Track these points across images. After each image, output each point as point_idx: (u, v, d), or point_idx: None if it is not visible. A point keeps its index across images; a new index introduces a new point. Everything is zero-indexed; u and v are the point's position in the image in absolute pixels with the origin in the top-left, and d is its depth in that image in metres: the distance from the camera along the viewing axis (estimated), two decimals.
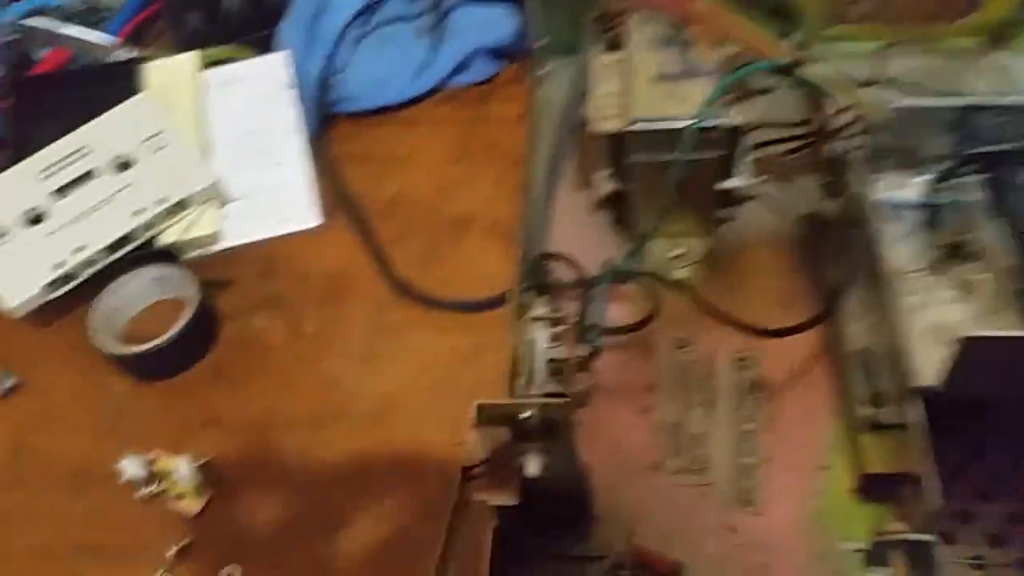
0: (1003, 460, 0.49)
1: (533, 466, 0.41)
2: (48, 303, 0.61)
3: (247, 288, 0.63)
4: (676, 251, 0.59)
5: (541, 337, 0.45)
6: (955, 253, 0.51)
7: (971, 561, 0.45)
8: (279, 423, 0.56)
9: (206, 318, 0.60)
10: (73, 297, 0.62)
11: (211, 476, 0.54)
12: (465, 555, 0.43)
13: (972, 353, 0.43)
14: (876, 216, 0.53)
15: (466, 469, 0.41)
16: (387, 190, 0.68)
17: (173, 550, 0.51)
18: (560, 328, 0.45)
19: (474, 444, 0.41)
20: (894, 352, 0.49)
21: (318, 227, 0.66)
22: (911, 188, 0.54)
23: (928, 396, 0.46)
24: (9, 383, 0.60)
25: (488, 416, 0.40)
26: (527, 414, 0.40)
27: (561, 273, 0.57)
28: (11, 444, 0.58)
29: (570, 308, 0.52)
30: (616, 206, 0.61)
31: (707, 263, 0.59)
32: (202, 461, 0.54)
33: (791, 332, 0.52)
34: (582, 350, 0.45)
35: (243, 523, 0.53)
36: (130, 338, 0.61)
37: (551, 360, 0.44)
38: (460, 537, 0.41)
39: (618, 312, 0.57)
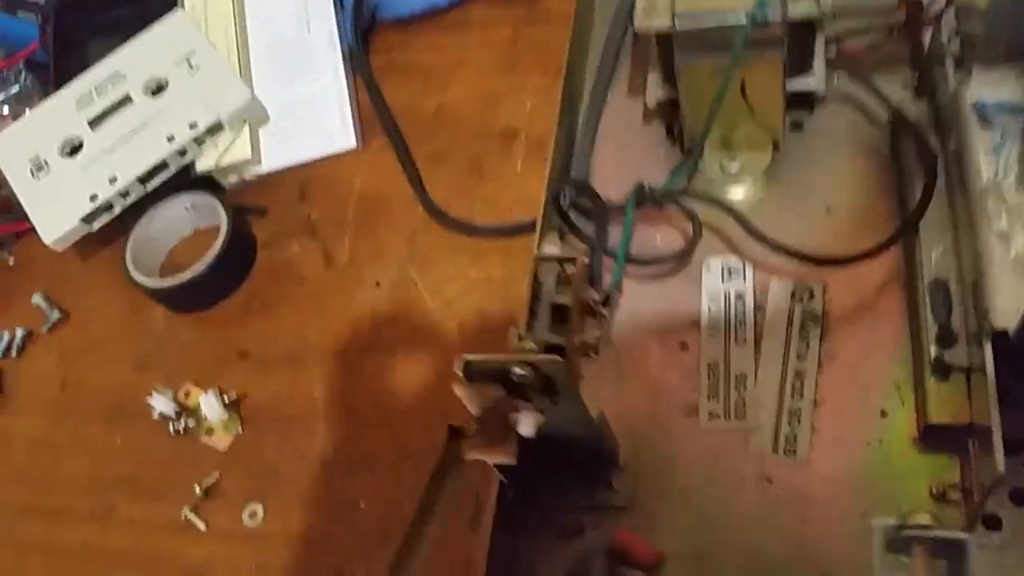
0: None
1: (526, 426, 0.38)
2: (91, 235, 0.61)
3: (283, 215, 0.61)
4: (732, 167, 0.53)
5: (549, 279, 0.41)
6: None
7: None
8: (309, 357, 0.55)
9: (240, 247, 0.59)
10: (116, 228, 0.61)
11: (241, 411, 0.54)
12: (459, 511, 0.40)
13: None
14: (969, 120, 0.45)
15: (453, 428, 0.38)
16: (429, 104, 0.64)
17: (198, 489, 0.51)
18: (572, 269, 0.40)
19: (465, 401, 0.38)
20: (974, 284, 0.42)
21: (355, 149, 0.62)
22: (1012, 87, 0.46)
23: (1005, 340, 0.39)
24: (56, 316, 0.61)
25: (476, 372, 0.37)
26: (519, 371, 0.37)
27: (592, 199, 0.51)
28: (60, 376, 0.59)
29: (594, 241, 0.47)
30: (669, 116, 0.54)
31: (767, 180, 0.52)
32: (231, 396, 0.54)
33: (857, 259, 0.46)
34: (592, 295, 0.40)
35: (269, 460, 0.52)
36: (171, 268, 0.61)
37: (555, 307, 0.40)
38: (448, 494, 0.38)
39: (663, 238, 0.52)
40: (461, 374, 0.37)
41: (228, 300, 0.59)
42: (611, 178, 0.54)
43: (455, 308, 0.54)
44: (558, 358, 0.36)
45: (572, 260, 0.41)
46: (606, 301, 0.42)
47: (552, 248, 0.41)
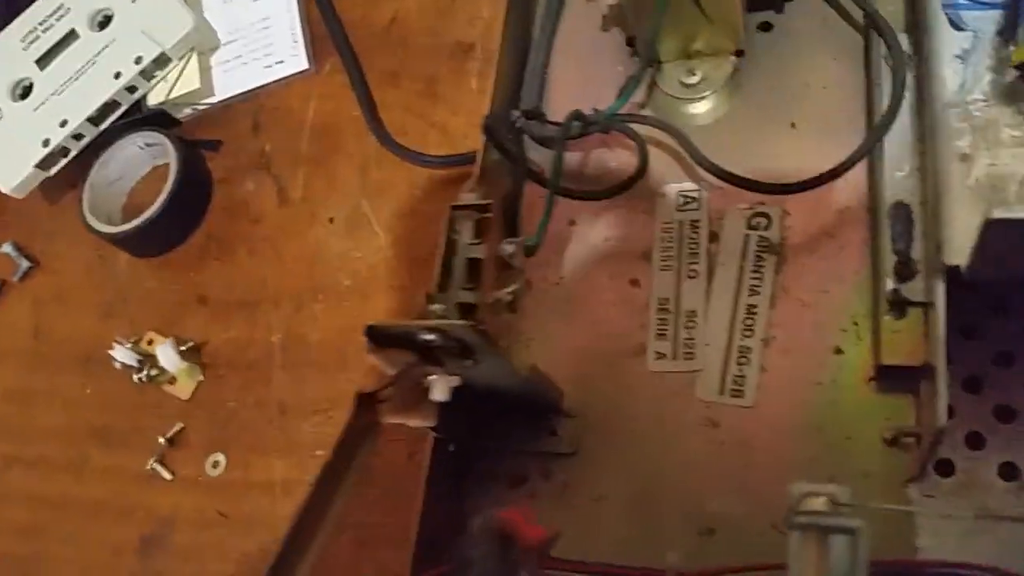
0: None
1: (439, 392, 0.36)
2: (55, 180, 0.61)
3: (238, 148, 0.59)
4: (691, 79, 0.48)
5: (465, 231, 0.38)
6: None
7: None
8: (265, 300, 0.54)
9: (194, 185, 0.58)
10: (81, 170, 0.60)
11: (202, 358, 0.54)
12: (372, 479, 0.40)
13: (997, 238, 0.32)
14: (937, 18, 0.40)
15: (362, 394, 0.37)
16: (382, 16, 0.60)
17: (162, 439, 0.52)
18: (488, 215, 0.38)
19: (378, 366, 0.37)
20: (933, 211, 0.39)
21: (308, 71, 0.59)
22: None
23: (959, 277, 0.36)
24: (26, 265, 0.61)
25: (382, 338, 0.36)
26: (427, 336, 0.35)
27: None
28: (32, 324, 0.60)
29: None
30: (628, 23, 0.50)
31: (730, 92, 0.48)
32: (189, 343, 0.54)
33: (808, 185, 0.42)
34: (505, 248, 0.37)
35: (230, 408, 0.52)
36: (133, 209, 0.60)
37: (470, 260, 0.37)
38: (360, 464, 0.38)
39: (619, 163, 0.48)
40: (367, 340, 0.35)
41: (188, 242, 0.58)
42: (568, 97, 0.51)
43: (408, 244, 0.53)
44: (464, 323, 0.34)
45: (488, 207, 0.38)
46: (531, 250, 0.39)
47: (469, 196, 0.39)
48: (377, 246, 0.53)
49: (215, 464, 0.51)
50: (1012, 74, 0.38)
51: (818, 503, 0.27)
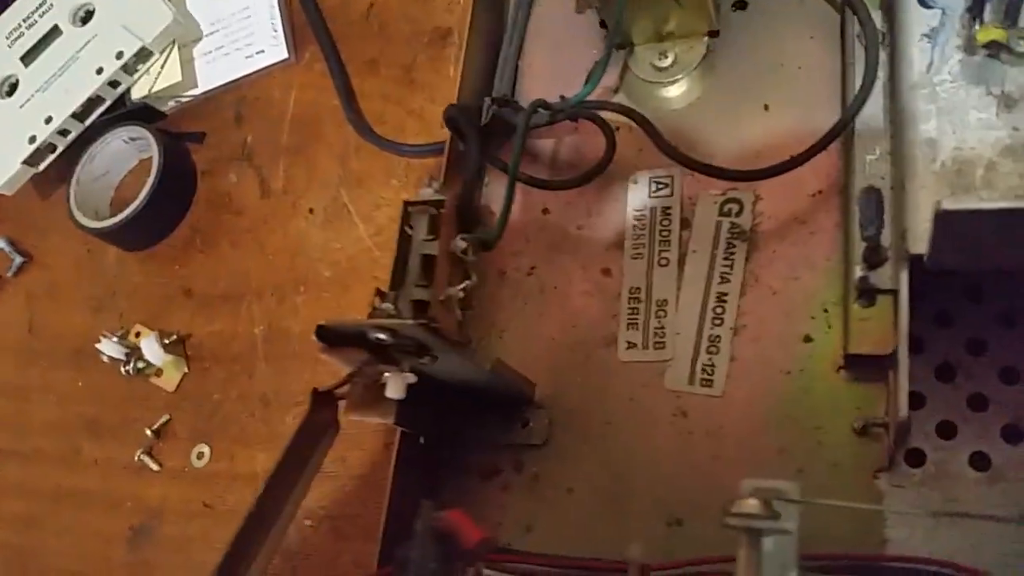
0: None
1: (394, 390, 0.36)
2: (47, 175, 0.61)
3: (220, 140, 0.59)
4: (664, 62, 0.48)
5: (420, 227, 0.38)
6: (1000, 52, 0.36)
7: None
8: (248, 293, 0.54)
9: (176, 177, 0.58)
10: (73, 164, 0.61)
11: (187, 351, 0.54)
12: (359, 469, 0.40)
13: (951, 229, 0.31)
14: None
15: (317, 392, 0.37)
16: (361, 2, 0.59)
17: (149, 431, 0.53)
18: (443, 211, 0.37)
19: (334, 364, 0.37)
20: (899, 196, 0.38)
21: (288, 61, 0.59)
22: None
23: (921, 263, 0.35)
24: (19, 261, 0.62)
25: (335, 338, 0.36)
26: (379, 335, 0.35)
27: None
28: (26, 319, 0.60)
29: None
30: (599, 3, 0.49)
31: (703, 75, 0.47)
32: (178, 336, 0.54)
33: (779, 171, 0.41)
34: (457, 244, 0.37)
35: (214, 400, 0.53)
36: (120, 203, 0.60)
37: (424, 257, 0.37)
38: (319, 454, 0.38)
39: (591, 150, 0.47)
40: (318, 340, 0.35)
41: (174, 235, 0.58)
42: (542, 82, 0.50)
43: (387, 235, 0.52)
44: (411, 322, 0.34)
45: (442, 204, 0.38)
46: (488, 244, 0.39)
47: (426, 191, 0.38)
48: (356, 236, 0.53)
49: (200, 456, 0.51)
50: (982, 53, 0.36)
51: (750, 505, 0.27)
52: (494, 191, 0.49)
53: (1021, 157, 0.35)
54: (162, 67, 0.59)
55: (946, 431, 0.38)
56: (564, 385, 0.44)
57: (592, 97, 0.46)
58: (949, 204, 0.30)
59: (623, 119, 0.46)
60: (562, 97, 0.46)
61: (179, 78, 0.59)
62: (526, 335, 0.46)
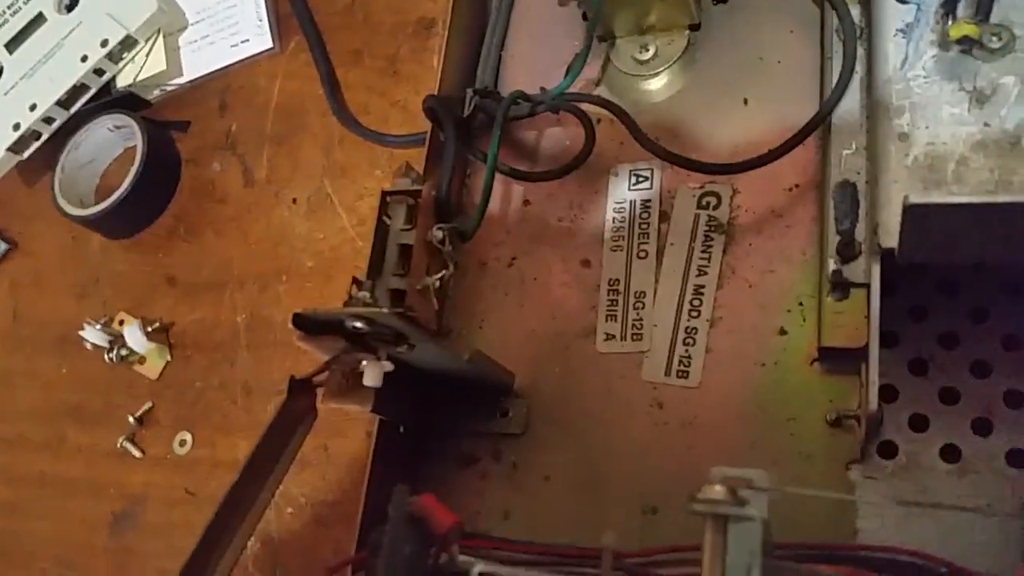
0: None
1: (371, 378, 0.36)
2: (33, 163, 0.61)
3: (205, 128, 0.59)
4: (645, 55, 0.48)
5: (398, 216, 0.38)
6: (973, 48, 0.37)
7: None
8: (231, 282, 0.55)
9: (161, 166, 0.58)
10: (57, 154, 0.61)
11: (170, 339, 0.54)
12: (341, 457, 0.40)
13: (920, 223, 0.32)
14: None
15: (295, 379, 0.37)
16: None
17: (132, 418, 0.53)
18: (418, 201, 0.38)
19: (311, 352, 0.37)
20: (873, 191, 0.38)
21: (273, 51, 0.59)
22: None
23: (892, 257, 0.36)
24: (3, 247, 0.62)
25: (311, 326, 0.36)
26: (356, 324, 0.35)
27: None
28: (11, 306, 0.61)
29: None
30: None
31: (684, 68, 0.47)
32: (161, 324, 0.54)
33: (755, 165, 0.42)
34: (437, 233, 0.37)
35: (196, 388, 0.53)
36: (106, 191, 0.60)
37: (401, 246, 0.37)
38: (296, 442, 0.38)
39: (573, 142, 0.48)
40: (295, 328, 0.36)
41: (158, 223, 0.58)
42: (525, 74, 0.50)
43: (370, 226, 0.52)
44: (387, 310, 0.34)
45: (419, 194, 0.38)
46: (466, 235, 0.39)
47: (403, 181, 0.39)
48: (339, 227, 0.53)
49: (182, 443, 0.52)
50: (955, 48, 0.37)
51: (716, 491, 0.27)
52: (477, 183, 0.49)
53: (992, 152, 0.35)
54: (147, 55, 0.60)
55: (918, 424, 0.38)
56: (543, 375, 0.45)
57: (574, 89, 0.46)
58: (916, 198, 0.30)
59: (603, 111, 0.46)
60: (543, 89, 0.46)
61: (164, 67, 0.59)
62: (506, 325, 0.46)
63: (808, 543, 0.35)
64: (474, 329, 0.47)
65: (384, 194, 0.39)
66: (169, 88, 0.61)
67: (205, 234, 0.57)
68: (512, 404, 0.44)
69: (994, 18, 0.36)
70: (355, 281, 0.37)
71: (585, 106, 0.46)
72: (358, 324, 0.35)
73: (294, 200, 0.55)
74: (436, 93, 0.48)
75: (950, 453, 0.38)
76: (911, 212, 0.31)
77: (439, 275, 0.37)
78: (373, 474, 0.42)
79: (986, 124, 0.35)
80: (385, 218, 0.38)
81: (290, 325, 0.35)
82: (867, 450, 0.38)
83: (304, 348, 0.36)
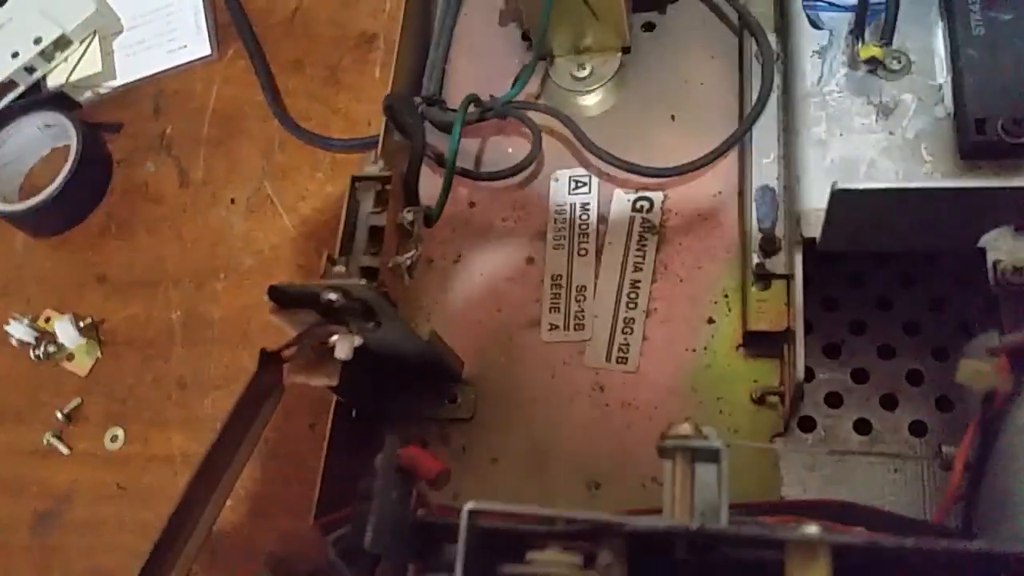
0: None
1: (342, 350, 0.38)
2: None
3: (138, 131, 0.60)
4: (581, 73, 0.52)
5: (367, 200, 0.40)
6: (878, 68, 0.42)
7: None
8: (165, 279, 0.55)
9: (93, 166, 0.58)
10: None
11: (100, 336, 0.54)
12: (280, 449, 0.41)
13: (843, 209, 0.36)
14: (798, 18, 0.45)
15: (265, 351, 0.38)
16: (286, 6, 0.61)
17: (60, 414, 0.52)
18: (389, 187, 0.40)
19: (283, 326, 0.38)
20: (793, 191, 0.43)
21: (211, 58, 0.60)
22: None
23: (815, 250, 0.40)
24: None
25: (286, 298, 0.37)
26: (330, 296, 0.37)
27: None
28: None
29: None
30: (524, 19, 0.53)
31: (617, 86, 0.52)
32: (90, 320, 0.54)
33: (684, 172, 0.46)
34: (406, 216, 0.40)
35: (128, 384, 0.52)
36: (31, 190, 0.59)
37: (372, 228, 0.40)
38: (264, 416, 0.39)
39: (515, 149, 0.51)
40: (269, 300, 0.37)
41: (86, 222, 0.58)
42: (467, 87, 0.53)
43: (311, 225, 0.54)
44: (363, 283, 0.36)
45: (388, 179, 0.40)
46: (430, 220, 0.42)
47: (372, 168, 0.41)
48: (280, 227, 0.54)
49: (114, 438, 0.51)
50: (863, 68, 0.42)
51: (684, 428, 0.30)
52: (425, 184, 0.52)
53: (896, 157, 0.40)
54: (81, 57, 0.59)
55: (833, 401, 0.43)
56: (490, 364, 0.47)
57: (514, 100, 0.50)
58: (844, 184, 0.35)
59: (546, 122, 0.50)
60: (492, 96, 0.49)
61: (99, 68, 0.59)
62: (453, 319, 0.49)
63: (747, 503, 0.38)
64: (422, 323, 0.49)
65: (354, 179, 0.40)
66: (102, 91, 0.60)
67: (138, 233, 0.56)
68: (460, 391, 0.47)
69: (895, 43, 0.42)
70: (328, 258, 0.38)
71: (532, 114, 0.49)
72: (333, 296, 0.37)
73: (232, 200, 0.56)
74: (383, 101, 0.50)
75: (862, 426, 0.42)
76: (837, 197, 0.35)
77: (410, 254, 0.39)
78: (328, 461, 0.43)
79: (891, 133, 0.41)
80: (353, 202, 0.40)
81: (265, 297, 0.37)
82: (789, 424, 0.42)
83: (275, 322, 0.38)
